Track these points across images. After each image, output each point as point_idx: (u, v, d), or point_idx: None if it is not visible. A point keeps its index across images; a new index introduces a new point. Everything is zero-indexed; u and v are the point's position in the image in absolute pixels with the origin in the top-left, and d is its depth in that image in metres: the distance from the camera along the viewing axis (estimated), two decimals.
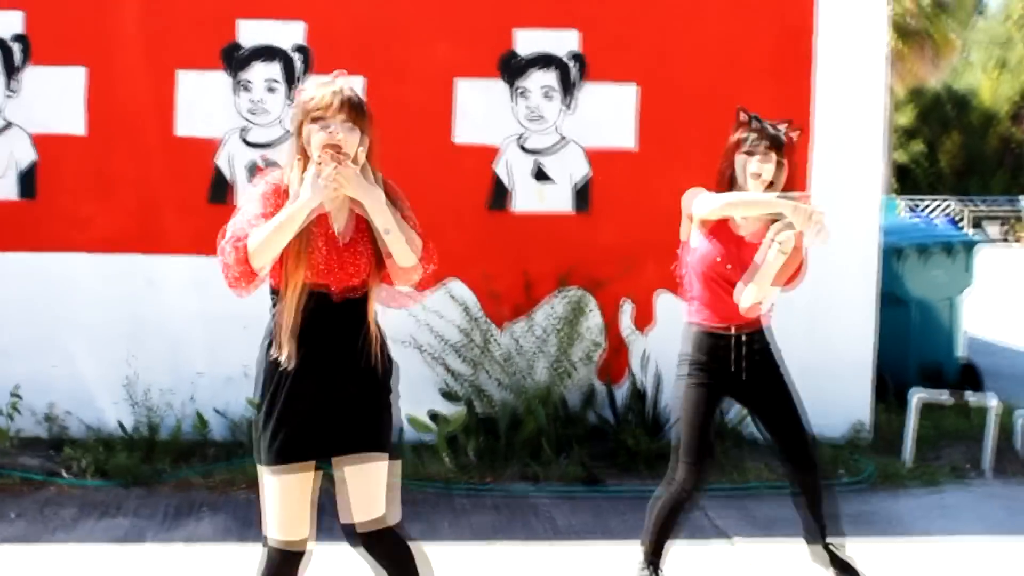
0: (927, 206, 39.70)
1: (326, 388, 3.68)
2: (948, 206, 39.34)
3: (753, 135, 4.87)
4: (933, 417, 8.20)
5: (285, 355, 3.64)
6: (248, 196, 3.77)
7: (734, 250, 4.87)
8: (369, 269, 3.72)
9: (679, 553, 5.67)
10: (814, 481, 5.10)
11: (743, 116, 4.97)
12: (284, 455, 3.67)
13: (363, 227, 3.74)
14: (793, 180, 7.17)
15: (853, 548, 5.55)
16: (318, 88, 3.72)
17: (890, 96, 40.76)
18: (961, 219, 38.25)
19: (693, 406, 4.94)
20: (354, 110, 3.68)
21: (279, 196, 3.69)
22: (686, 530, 5.98)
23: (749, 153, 4.86)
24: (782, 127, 4.94)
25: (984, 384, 9.16)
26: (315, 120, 3.66)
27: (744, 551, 5.78)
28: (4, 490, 6.56)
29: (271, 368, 3.68)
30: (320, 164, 3.59)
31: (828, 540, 5.08)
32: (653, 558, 5.04)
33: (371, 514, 3.73)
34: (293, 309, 3.65)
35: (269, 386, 3.70)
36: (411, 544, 3.86)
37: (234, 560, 5.53)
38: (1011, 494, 6.95)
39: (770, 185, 4.85)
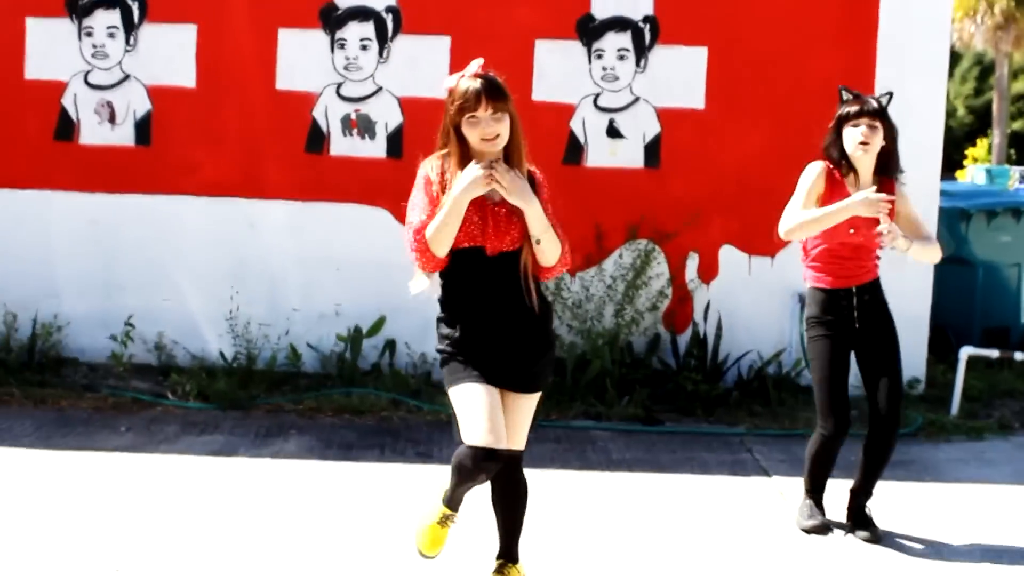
0: None
1: (492, 332, 4.19)
2: None
3: (854, 107, 5.30)
4: (988, 375, 8.51)
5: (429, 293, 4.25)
6: (415, 187, 4.22)
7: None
8: (520, 234, 4.16)
9: (721, 483, 6.18)
10: (887, 437, 5.46)
11: (845, 95, 5.40)
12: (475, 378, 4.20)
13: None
14: None
15: (887, 490, 5.99)
16: (461, 81, 4.15)
17: (1008, 63, 40.01)
18: None
19: (820, 360, 5.43)
20: (496, 98, 4.12)
21: (430, 184, 4.20)
22: (729, 466, 6.51)
23: (854, 125, 5.28)
24: (880, 97, 5.40)
25: None
26: (463, 112, 4.11)
27: (779, 484, 6.21)
28: (117, 408, 7.28)
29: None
30: (488, 167, 4.08)
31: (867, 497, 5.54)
32: (812, 493, 5.61)
33: (513, 444, 4.25)
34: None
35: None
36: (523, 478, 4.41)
37: (314, 473, 6.15)
38: None
39: (868, 144, 5.26)
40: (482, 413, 4.12)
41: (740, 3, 7.97)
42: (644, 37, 7.99)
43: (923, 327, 8.18)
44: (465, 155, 4.17)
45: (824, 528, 5.50)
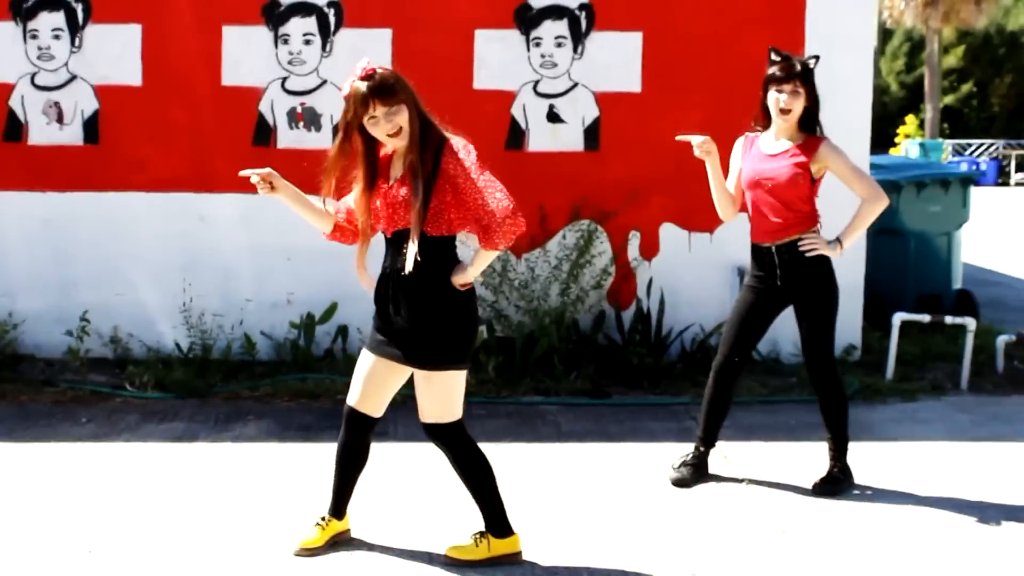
0: (975, 149, 39.64)
1: (384, 307, 4.61)
2: (996, 149, 39.26)
3: (779, 71, 5.67)
4: (921, 340, 8.84)
5: (364, 284, 4.69)
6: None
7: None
8: (412, 216, 4.44)
9: (667, 449, 6.44)
10: (822, 395, 5.92)
11: (774, 55, 5.78)
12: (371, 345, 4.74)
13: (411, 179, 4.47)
14: None
15: (822, 450, 6.28)
16: (352, 85, 4.46)
17: (937, 38, 40.70)
18: (1008, 162, 38.23)
19: (735, 304, 5.99)
20: (386, 96, 4.41)
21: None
22: (676, 434, 6.77)
23: (778, 89, 5.67)
24: (808, 60, 5.77)
25: (979, 313, 9.72)
26: (359, 117, 4.44)
27: (723, 448, 6.48)
28: (76, 401, 7.41)
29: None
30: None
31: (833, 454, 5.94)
32: (701, 437, 6.03)
33: (422, 413, 4.71)
34: (359, 247, 4.70)
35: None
36: (467, 446, 4.76)
37: (274, 455, 6.35)
38: (980, 407, 7.54)
39: (789, 112, 5.66)
40: (359, 376, 4.79)
41: None
42: (580, 24, 8.22)
43: (858, 295, 8.47)
44: (370, 151, 4.57)
45: (682, 482, 5.88)
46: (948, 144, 37.97)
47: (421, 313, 4.54)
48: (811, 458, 6.24)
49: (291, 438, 6.68)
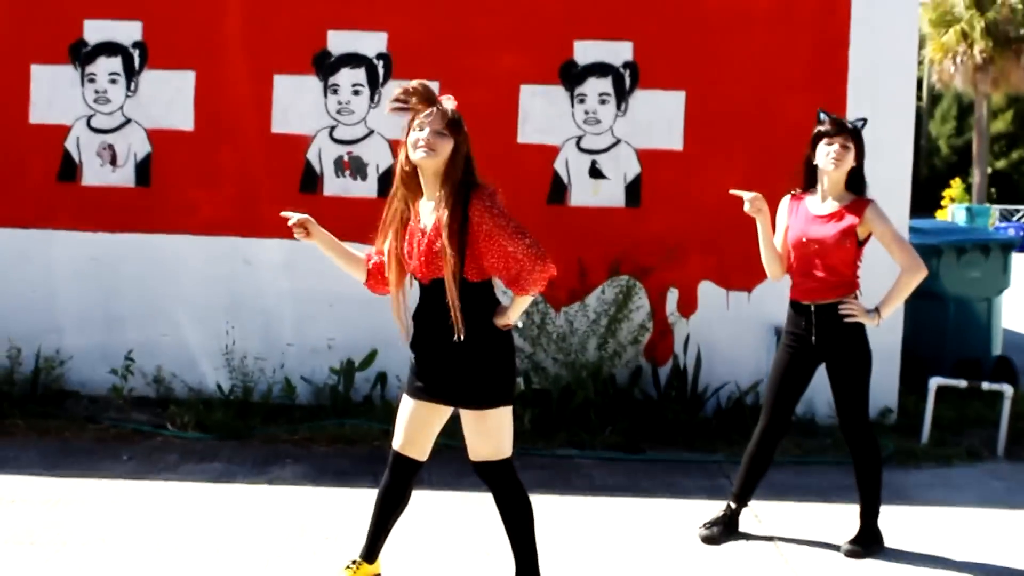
0: (1022, 215, 39.42)
1: (428, 354, 4.69)
2: None
3: (830, 127, 5.77)
4: (959, 406, 8.80)
5: (402, 333, 4.78)
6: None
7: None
8: (450, 264, 4.52)
9: (699, 507, 6.46)
10: (856, 457, 5.95)
11: (823, 116, 5.88)
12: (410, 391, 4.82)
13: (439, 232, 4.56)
14: None
15: (854, 512, 6.29)
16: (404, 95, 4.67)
17: (986, 103, 40.61)
18: None
19: (774, 365, 6.04)
20: (449, 121, 4.59)
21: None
22: (708, 491, 6.78)
23: (828, 143, 5.77)
24: (856, 121, 5.89)
25: (1019, 379, 9.68)
26: (415, 126, 4.60)
27: (756, 508, 6.49)
28: (118, 438, 7.54)
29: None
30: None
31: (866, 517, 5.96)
32: (736, 496, 6.08)
33: (473, 453, 4.78)
34: (393, 296, 4.78)
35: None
36: (515, 486, 4.80)
37: (310, 498, 6.42)
38: (1015, 474, 7.48)
39: (839, 164, 5.76)
40: (402, 420, 4.85)
41: (716, 49, 8.32)
42: (624, 82, 8.34)
43: (895, 358, 8.48)
44: (411, 182, 4.66)
45: (710, 539, 5.92)
46: (995, 209, 37.81)
47: (468, 356, 4.61)
48: (843, 520, 6.24)
49: (327, 482, 6.76)
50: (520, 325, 4.73)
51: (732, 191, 6.00)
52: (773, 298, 8.35)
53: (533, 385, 8.14)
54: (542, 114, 8.36)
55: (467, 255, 4.54)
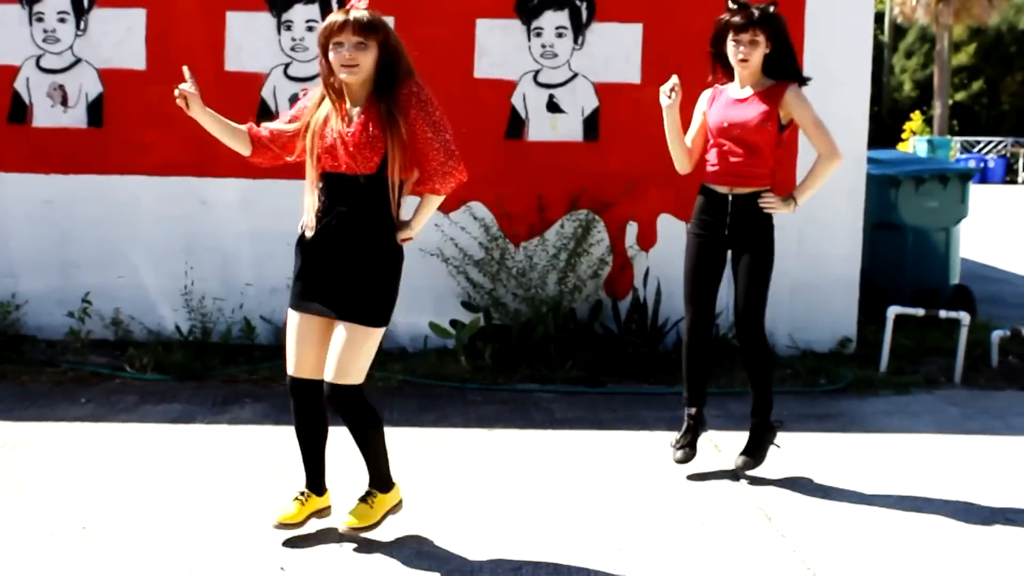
0: (983, 146, 39.61)
1: (319, 260, 4.56)
2: (1004, 147, 39.22)
3: (737, 18, 5.67)
4: (917, 335, 8.89)
5: (303, 225, 4.61)
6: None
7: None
8: (377, 160, 4.48)
9: (659, 438, 6.51)
10: (750, 358, 5.90)
11: (730, 3, 5.75)
12: (293, 302, 4.66)
13: (375, 122, 4.48)
14: None
15: (812, 440, 6.37)
16: (333, 15, 4.55)
17: (947, 36, 40.63)
18: (1016, 160, 38.18)
19: (687, 255, 5.93)
20: (360, 28, 4.46)
21: (301, 110, 4.76)
22: (668, 422, 6.82)
23: (735, 40, 5.69)
24: (767, 6, 5.72)
25: (976, 307, 9.77)
26: (328, 38, 4.49)
27: (714, 437, 6.53)
28: (76, 381, 7.49)
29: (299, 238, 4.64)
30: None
31: (756, 418, 5.94)
32: (687, 402, 6.01)
33: (338, 374, 4.58)
34: (309, 188, 4.62)
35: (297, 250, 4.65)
36: (368, 409, 4.72)
37: (269, 437, 6.41)
38: (971, 401, 7.58)
39: (747, 62, 5.68)
40: (291, 342, 4.69)
41: None
42: (581, 15, 8.27)
43: (853, 288, 8.54)
44: (336, 89, 4.56)
45: (687, 457, 5.90)
46: (957, 141, 37.98)
47: (363, 264, 4.52)
48: (801, 448, 6.30)
49: (287, 421, 6.56)
50: (412, 237, 4.65)
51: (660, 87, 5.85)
52: None
53: (493, 320, 8.14)
54: (499, 48, 8.28)
55: (393, 151, 4.49)
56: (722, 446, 6.39)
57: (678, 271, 8.28)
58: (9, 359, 7.77)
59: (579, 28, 8.29)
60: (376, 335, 4.64)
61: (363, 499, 4.89)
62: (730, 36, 5.69)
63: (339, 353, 4.57)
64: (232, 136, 4.87)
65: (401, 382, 7.65)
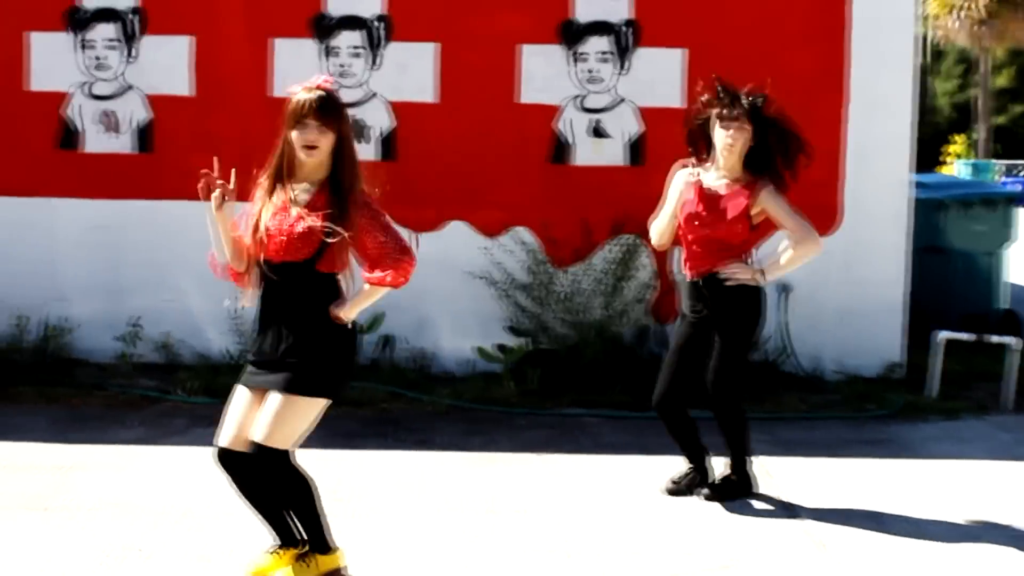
0: None
1: (266, 341, 4.52)
2: None
3: (727, 110, 5.64)
4: (965, 359, 8.81)
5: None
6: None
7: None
8: (311, 250, 4.39)
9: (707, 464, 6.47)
10: (719, 423, 5.96)
11: (719, 89, 5.73)
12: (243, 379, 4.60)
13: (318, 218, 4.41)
14: (828, 136, 8.01)
15: (862, 466, 6.32)
16: (300, 92, 4.48)
17: (988, 58, 40.40)
18: None
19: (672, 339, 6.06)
20: (326, 113, 4.41)
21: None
22: (715, 448, 6.78)
23: (724, 127, 5.65)
24: (753, 97, 5.71)
25: None
26: (293, 118, 4.46)
27: (763, 463, 6.51)
28: (127, 405, 7.57)
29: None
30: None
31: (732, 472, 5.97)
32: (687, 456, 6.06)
33: (258, 433, 4.48)
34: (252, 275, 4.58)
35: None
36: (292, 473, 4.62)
37: (319, 460, 6.40)
38: (1022, 426, 7.53)
39: (732, 148, 5.65)
40: (233, 415, 4.58)
41: (716, 7, 8.29)
42: (625, 40, 8.30)
43: (900, 313, 8.49)
44: (289, 164, 4.51)
45: (669, 489, 5.95)
46: (1000, 164, 37.69)
47: (304, 344, 4.45)
48: (851, 474, 6.27)
49: (336, 444, 6.75)
50: (351, 324, 4.56)
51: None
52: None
53: (540, 345, 8.16)
54: (542, 74, 8.32)
55: (331, 245, 4.40)
56: (773, 472, 6.35)
57: None
58: (61, 382, 7.86)
59: (623, 53, 8.31)
60: (310, 403, 4.55)
61: (300, 557, 4.68)
62: (719, 124, 5.66)
63: (275, 420, 4.49)
64: (227, 246, 4.65)
65: (448, 406, 7.67)
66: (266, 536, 5.17)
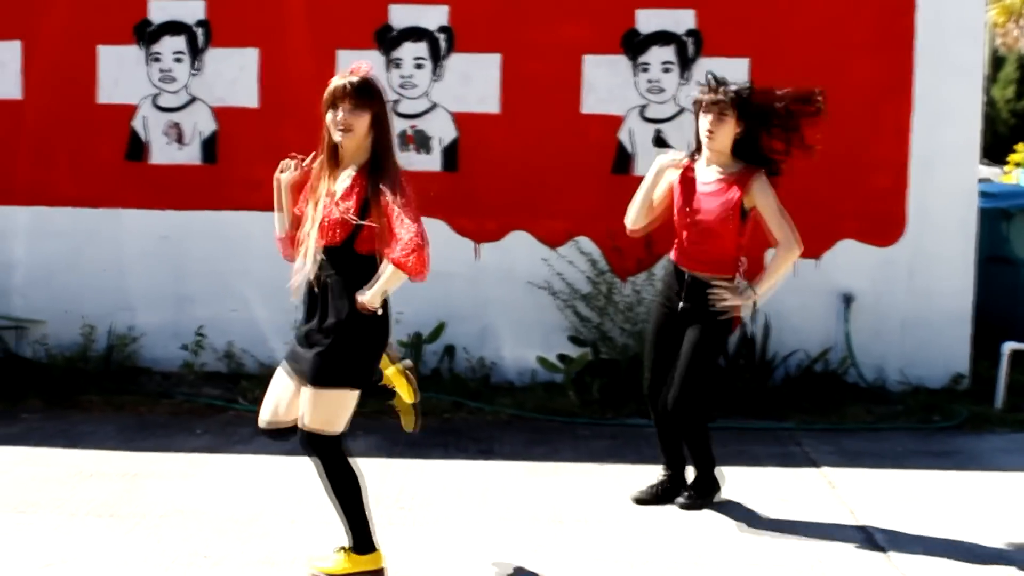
0: None
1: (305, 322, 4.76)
2: None
3: (707, 96, 5.60)
4: None
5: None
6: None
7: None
8: (344, 234, 4.57)
9: (771, 474, 6.46)
10: (681, 433, 5.88)
11: (707, 78, 5.67)
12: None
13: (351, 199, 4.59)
14: (894, 144, 7.94)
15: (928, 478, 6.25)
16: (335, 78, 4.65)
17: None
18: None
19: (649, 330, 5.99)
20: (359, 96, 4.57)
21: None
22: (779, 458, 6.77)
23: (705, 113, 5.60)
24: (738, 87, 5.63)
25: None
26: (328, 103, 4.63)
27: (828, 474, 6.46)
28: (192, 413, 7.66)
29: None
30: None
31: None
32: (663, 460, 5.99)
33: (302, 421, 4.70)
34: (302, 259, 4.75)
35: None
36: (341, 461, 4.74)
37: (383, 469, 6.47)
38: None
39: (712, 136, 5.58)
40: (270, 393, 4.84)
41: (780, 15, 8.23)
42: (688, 50, 8.28)
43: (965, 324, 8.38)
44: (333, 150, 4.69)
45: (638, 498, 5.89)
46: None
47: (333, 327, 4.60)
48: (918, 486, 6.20)
49: (400, 454, 6.81)
50: (379, 312, 4.61)
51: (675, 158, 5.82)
52: (841, 265, 8.31)
53: (601, 355, 8.14)
54: (605, 84, 8.32)
55: (363, 228, 4.55)
56: (836, 483, 6.30)
57: (787, 306, 8.31)
58: (127, 390, 7.97)
59: (686, 63, 8.29)
60: (338, 395, 4.65)
61: (341, 549, 4.84)
62: (700, 112, 5.62)
63: (303, 407, 4.72)
64: (286, 220, 4.96)
65: (510, 416, 7.68)
66: (330, 545, 5.21)
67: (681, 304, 5.71)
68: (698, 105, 5.66)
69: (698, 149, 5.77)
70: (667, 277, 5.90)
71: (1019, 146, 37.34)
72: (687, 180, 5.74)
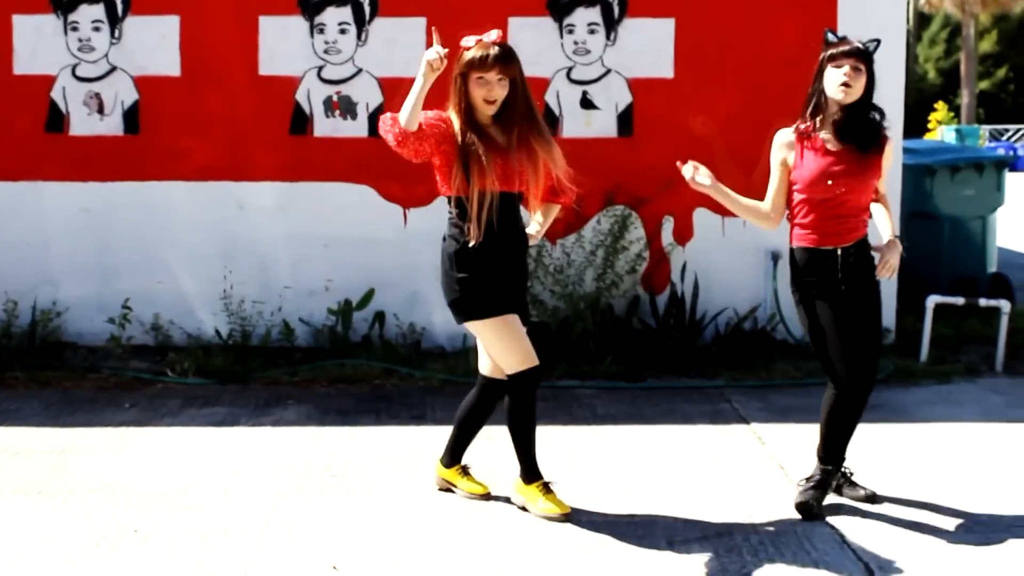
0: (1012, 134, 39.34)
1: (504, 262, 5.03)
2: None
3: (839, 48, 5.09)
4: (956, 323, 8.85)
5: (474, 238, 4.92)
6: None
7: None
8: (527, 181, 5.03)
9: (702, 431, 6.51)
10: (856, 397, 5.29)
11: (831, 36, 5.21)
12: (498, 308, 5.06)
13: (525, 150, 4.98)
14: None
15: (857, 431, 6.29)
16: (479, 44, 4.85)
17: (973, 23, 40.39)
18: None
19: (811, 324, 5.24)
20: (506, 64, 4.83)
21: (442, 120, 4.90)
22: (710, 416, 6.83)
23: (837, 65, 5.07)
24: (867, 43, 5.18)
25: (1014, 296, 9.71)
26: (472, 69, 4.83)
27: (758, 430, 6.54)
28: (119, 387, 7.55)
29: (462, 251, 5.00)
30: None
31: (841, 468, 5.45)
32: (823, 459, 5.38)
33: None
34: (477, 206, 4.91)
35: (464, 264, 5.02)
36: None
37: (314, 438, 6.44)
38: (1014, 388, 7.57)
39: (850, 88, 5.05)
40: (524, 338, 5.15)
41: None
42: (613, 11, 8.27)
43: (892, 279, 8.45)
44: (468, 108, 4.87)
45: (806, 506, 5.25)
46: (985, 129, 37.72)
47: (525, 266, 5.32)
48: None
49: (330, 422, 6.79)
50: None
51: (677, 163, 5.59)
52: None
53: (532, 318, 8.13)
54: (531, 46, 8.25)
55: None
56: (766, 439, 6.38)
57: (715, 265, 8.38)
58: (52, 366, 7.85)
59: (611, 24, 8.29)
60: (479, 327, 5.09)
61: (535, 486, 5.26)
62: (830, 65, 5.09)
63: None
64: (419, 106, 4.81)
65: (442, 382, 7.67)
66: (262, 515, 5.19)
67: (841, 280, 5.16)
68: (827, 60, 5.12)
69: (814, 112, 5.24)
70: (808, 267, 5.21)
71: (939, 105, 37.89)
72: (817, 151, 5.18)
